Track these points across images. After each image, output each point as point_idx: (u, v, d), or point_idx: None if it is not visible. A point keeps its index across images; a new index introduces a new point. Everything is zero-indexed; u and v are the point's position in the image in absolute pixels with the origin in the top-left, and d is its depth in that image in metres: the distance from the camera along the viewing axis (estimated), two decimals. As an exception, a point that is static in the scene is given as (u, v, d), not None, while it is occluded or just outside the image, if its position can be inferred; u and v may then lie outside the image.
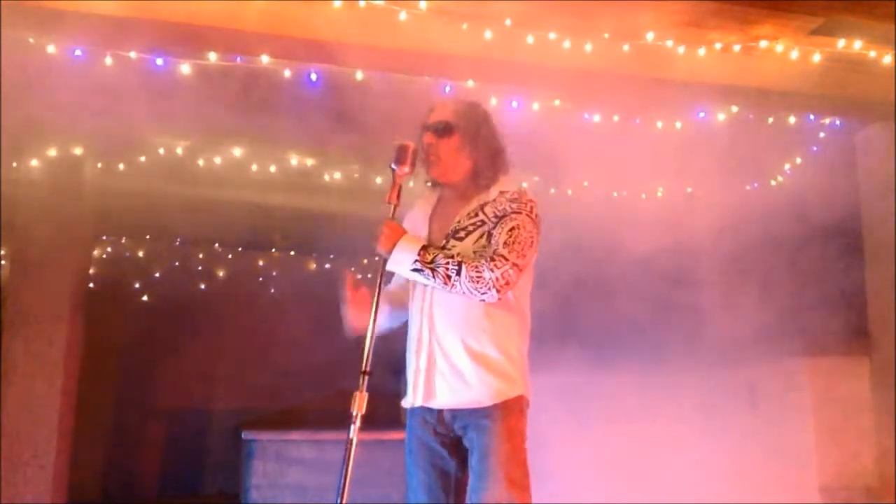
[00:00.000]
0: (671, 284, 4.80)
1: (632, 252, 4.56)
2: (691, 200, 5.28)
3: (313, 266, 7.37)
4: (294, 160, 4.85)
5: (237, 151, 4.70)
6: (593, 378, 4.93)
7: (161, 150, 4.62)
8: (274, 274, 7.33)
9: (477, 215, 2.22)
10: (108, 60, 3.39)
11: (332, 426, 5.02)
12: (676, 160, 4.42)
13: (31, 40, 3.26)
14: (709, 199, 5.17)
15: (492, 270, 2.07)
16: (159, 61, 3.44)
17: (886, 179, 4.01)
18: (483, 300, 2.10)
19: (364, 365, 2.07)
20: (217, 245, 6.95)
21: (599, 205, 5.24)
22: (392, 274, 2.25)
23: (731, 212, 4.77)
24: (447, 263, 2.09)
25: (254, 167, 4.85)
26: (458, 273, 2.07)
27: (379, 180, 5.07)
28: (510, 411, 2.13)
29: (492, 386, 2.13)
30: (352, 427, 2.03)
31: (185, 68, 3.48)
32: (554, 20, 3.30)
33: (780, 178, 5.08)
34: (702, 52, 3.50)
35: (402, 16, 3.17)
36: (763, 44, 3.48)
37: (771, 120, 4.22)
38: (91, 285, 6.05)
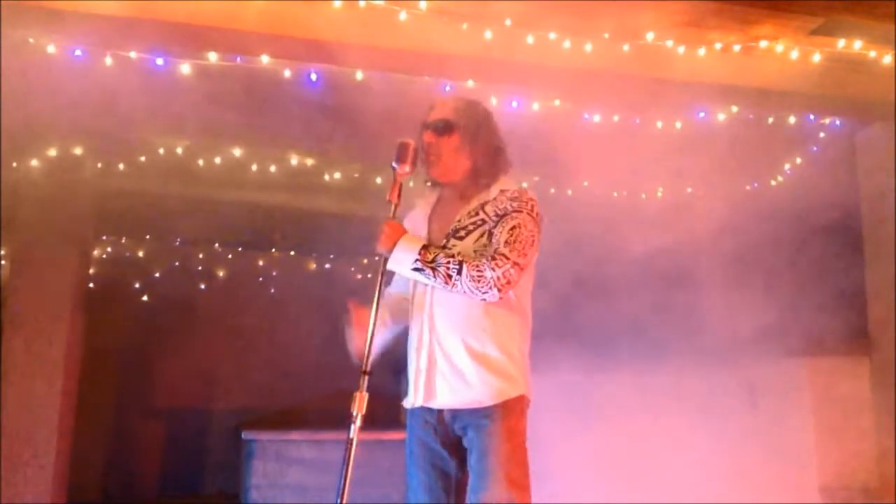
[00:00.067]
0: (671, 284, 4.80)
1: (632, 252, 4.57)
2: (691, 200, 5.28)
3: (313, 266, 7.37)
4: (294, 160, 4.85)
5: (237, 151, 4.69)
6: (593, 378, 4.94)
7: (161, 150, 4.62)
8: (274, 274, 7.32)
9: (477, 214, 2.20)
10: (108, 60, 3.39)
11: (332, 426, 5.02)
12: (676, 160, 4.42)
13: (31, 40, 3.26)
14: (709, 199, 5.17)
15: (493, 269, 2.05)
16: (159, 61, 3.44)
17: (886, 179, 4.01)
18: (484, 299, 2.09)
19: (364, 365, 2.06)
20: (217, 245, 6.95)
21: (599, 205, 5.23)
22: (392, 273, 2.23)
23: (731, 212, 4.77)
24: (448, 263, 2.08)
25: (254, 167, 4.85)
26: (459, 272, 2.06)
27: (379, 180, 5.07)
28: (510, 411, 2.12)
29: (493, 386, 2.12)
30: (352, 427, 2.03)
31: (185, 68, 3.48)
32: (554, 20, 3.30)
33: (780, 178, 5.08)
34: (702, 52, 3.50)
35: (402, 16, 3.17)
36: (763, 44, 3.48)
37: (771, 120, 4.22)
38: (91, 285, 6.05)
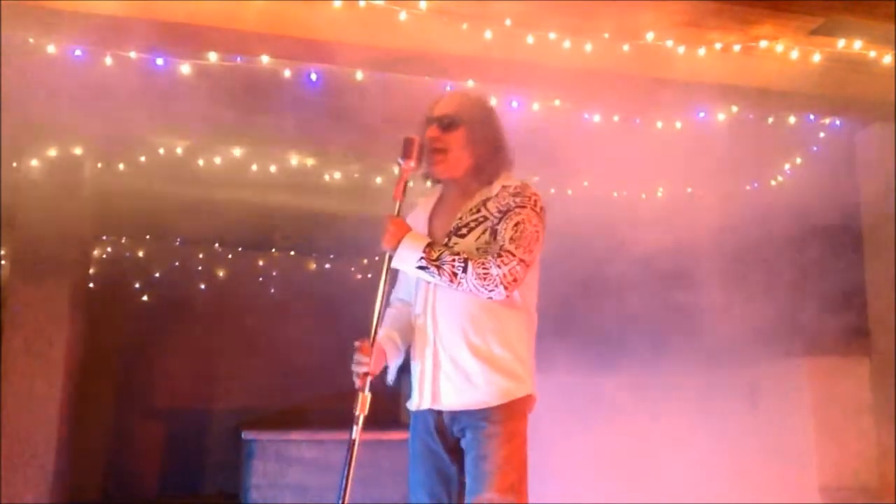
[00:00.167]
0: (671, 284, 4.80)
1: (632, 252, 4.57)
2: (691, 200, 5.28)
3: (313, 266, 7.37)
4: (294, 160, 4.85)
5: (237, 151, 4.69)
6: (592, 378, 4.94)
7: (161, 150, 4.62)
8: (274, 274, 7.32)
9: (479, 211, 2.17)
10: (108, 60, 3.39)
11: (332, 426, 5.03)
12: (676, 160, 4.42)
13: (31, 40, 3.26)
14: (709, 199, 5.17)
15: (499, 267, 2.02)
16: (159, 61, 3.44)
17: (886, 179, 4.01)
18: (490, 297, 2.06)
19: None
20: (217, 245, 6.95)
21: (599, 205, 5.24)
22: (396, 271, 2.20)
23: (731, 212, 4.77)
24: (453, 261, 2.04)
25: (254, 167, 4.85)
26: (465, 270, 2.03)
27: (379, 180, 5.07)
28: (512, 412, 2.09)
29: (499, 385, 2.09)
30: (354, 428, 2.02)
31: (185, 68, 3.47)
32: (554, 20, 3.30)
33: (780, 178, 5.08)
34: (702, 52, 3.50)
35: (402, 16, 3.17)
36: (763, 44, 3.48)
37: (771, 120, 4.22)
38: (91, 285, 6.06)
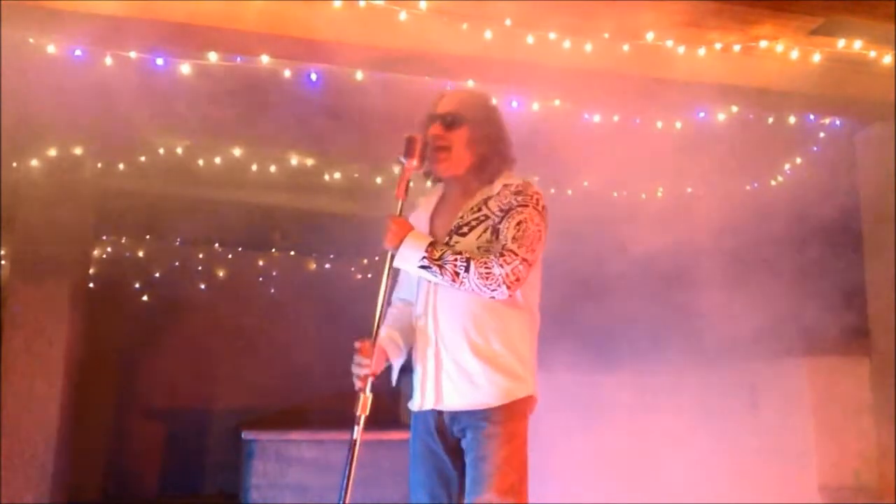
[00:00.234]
0: (671, 284, 4.80)
1: (631, 252, 4.57)
2: (691, 200, 5.28)
3: (313, 266, 7.37)
4: (294, 160, 4.86)
5: (237, 151, 4.70)
6: (592, 378, 4.94)
7: (161, 150, 4.62)
8: (274, 274, 7.33)
9: (480, 210, 2.15)
10: (108, 60, 3.39)
11: (332, 426, 5.03)
12: (676, 160, 4.42)
13: (31, 40, 3.26)
14: (709, 199, 5.17)
15: (501, 266, 2.01)
16: (159, 61, 3.44)
17: (886, 179, 4.01)
18: (493, 297, 2.04)
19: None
20: (217, 245, 6.95)
21: (599, 205, 5.24)
22: (398, 270, 2.19)
23: (731, 212, 4.77)
24: (455, 260, 2.02)
25: (254, 167, 4.85)
26: (467, 270, 2.01)
27: (379, 180, 5.07)
28: (514, 413, 2.07)
29: (500, 385, 2.07)
30: (355, 428, 2.01)
31: (185, 68, 3.48)
32: (554, 20, 3.30)
33: (780, 178, 5.08)
34: (702, 52, 3.50)
35: (402, 16, 3.17)
36: (763, 44, 3.48)
37: (771, 120, 4.22)
38: (91, 285, 6.06)
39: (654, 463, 4.61)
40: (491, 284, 2.01)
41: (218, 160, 4.75)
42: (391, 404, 4.54)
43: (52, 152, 4.60)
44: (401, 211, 2.12)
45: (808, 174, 4.77)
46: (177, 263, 6.95)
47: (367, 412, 2.03)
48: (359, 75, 3.55)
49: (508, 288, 2.02)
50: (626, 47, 3.41)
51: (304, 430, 5.20)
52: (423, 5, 3.16)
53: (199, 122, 4.14)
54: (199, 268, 7.04)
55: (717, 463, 4.50)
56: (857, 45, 3.48)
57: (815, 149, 4.67)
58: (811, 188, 4.57)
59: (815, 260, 4.42)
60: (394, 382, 2.23)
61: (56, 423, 4.48)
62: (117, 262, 6.74)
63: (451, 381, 2.10)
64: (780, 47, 3.51)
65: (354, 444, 2.00)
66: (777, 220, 4.69)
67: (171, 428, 7.04)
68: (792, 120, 4.23)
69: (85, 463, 6.07)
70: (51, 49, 3.30)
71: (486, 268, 2.01)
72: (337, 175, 5.05)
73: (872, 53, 3.53)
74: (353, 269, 7.44)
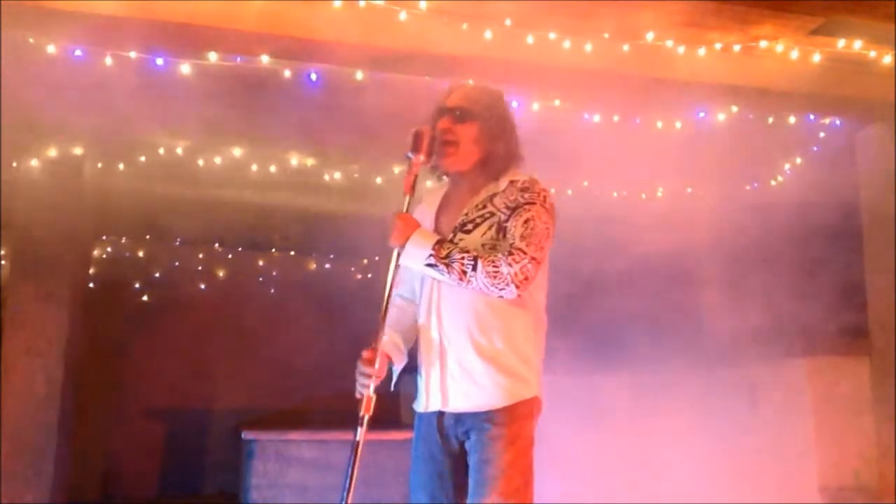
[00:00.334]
0: (671, 284, 4.81)
1: (632, 252, 4.57)
2: (691, 200, 5.29)
3: (313, 266, 7.37)
4: (294, 160, 4.85)
5: (237, 151, 4.70)
6: (592, 378, 4.94)
7: (161, 150, 4.62)
8: (274, 274, 7.33)
9: (485, 207, 2.11)
10: (108, 60, 3.39)
11: (332, 426, 5.03)
12: (676, 160, 4.42)
13: (31, 40, 3.26)
14: (709, 199, 5.17)
15: (510, 265, 1.96)
16: (159, 61, 3.44)
17: (886, 179, 4.01)
18: (501, 296, 2.00)
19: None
20: (217, 245, 6.95)
21: (599, 205, 5.24)
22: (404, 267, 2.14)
23: (731, 212, 4.77)
24: (462, 258, 1.98)
25: (254, 167, 4.85)
26: (474, 268, 1.97)
27: (379, 180, 5.07)
28: (518, 415, 2.04)
29: (504, 387, 2.04)
30: (358, 429, 1.99)
31: (185, 68, 3.48)
32: (554, 20, 3.30)
33: (780, 178, 5.08)
34: (702, 52, 3.50)
35: (402, 16, 3.17)
36: (763, 44, 3.48)
37: (771, 120, 4.22)
38: (91, 285, 6.06)
39: (654, 463, 4.61)
40: (499, 283, 1.97)
41: (218, 160, 4.75)
42: (392, 405, 4.54)
43: (52, 152, 4.60)
44: (407, 207, 2.09)
45: (808, 174, 4.77)
46: (177, 263, 6.95)
47: (371, 412, 2.01)
48: (359, 75, 3.55)
49: (517, 287, 1.98)
50: (626, 47, 3.41)
51: (304, 430, 5.19)
52: (423, 5, 3.16)
53: (199, 122, 4.14)
54: (199, 268, 7.04)
55: (717, 463, 4.50)
56: (857, 45, 3.48)
57: (815, 149, 4.67)
58: (811, 188, 4.57)
59: (815, 260, 4.43)
60: (393, 387, 2.20)
61: (56, 424, 4.48)
62: (117, 262, 6.74)
63: (455, 381, 2.07)
64: (780, 47, 3.51)
65: (358, 445, 1.98)
66: (777, 221, 4.69)
67: (171, 428, 7.04)
68: (792, 120, 4.23)
69: (85, 463, 6.07)
70: (51, 49, 3.30)
71: (494, 266, 1.97)
72: (337, 175, 5.05)
73: (872, 53, 3.53)
74: (353, 269, 7.43)
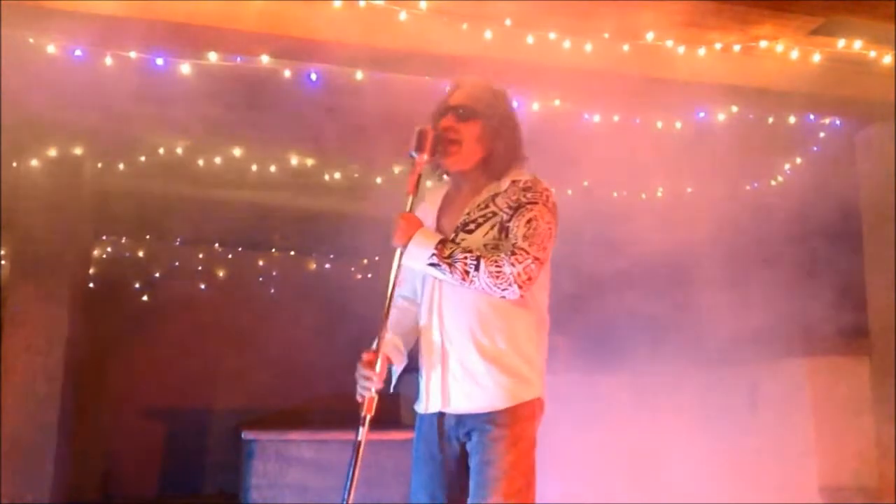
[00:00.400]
0: (671, 284, 4.81)
1: (631, 252, 4.57)
2: (691, 200, 5.29)
3: (313, 266, 7.38)
4: (294, 160, 4.86)
5: (237, 151, 4.70)
6: (591, 377, 4.94)
7: (161, 150, 4.63)
8: (274, 274, 7.33)
9: (487, 207, 2.09)
10: (108, 60, 3.39)
11: (332, 426, 5.03)
12: (676, 160, 4.42)
13: (31, 40, 3.26)
14: (709, 199, 5.17)
15: (512, 265, 1.95)
16: (159, 61, 3.44)
17: (886, 179, 4.01)
18: (504, 297, 1.98)
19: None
20: (217, 245, 6.96)
21: (600, 205, 5.24)
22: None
23: (731, 212, 4.77)
24: (465, 258, 1.97)
25: (254, 167, 4.86)
26: (477, 268, 1.95)
27: (379, 180, 5.07)
28: (521, 416, 2.02)
29: (506, 388, 2.02)
30: (360, 429, 1.98)
31: (185, 68, 3.48)
32: (554, 20, 3.30)
33: (780, 178, 5.08)
34: (702, 52, 3.50)
35: (402, 16, 3.17)
36: (763, 44, 3.48)
37: (771, 120, 4.22)
38: (91, 285, 6.06)
39: (654, 463, 4.61)
40: (502, 284, 1.96)
41: (218, 160, 4.75)
42: (392, 405, 4.54)
43: (52, 152, 4.60)
44: (411, 207, 2.07)
45: (808, 174, 4.78)
46: (177, 263, 6.95)
47: (373, 413, 2.00)
48: (359, 75, 3.55)
49: (520, 287, 1.96)
50: (626, 47, 3.41)
51: (304, 430, 5.19)
52: (423, 5, 3.16)
53: (199, 122, 4.14)
54: (199, 268, 7.04)
55: (717, 463, 4.50)
56: (857, 45, 3.48)
57: (815, 149, 4.67)
58: (811, 188, 4.57)
59: (815, 260, 4.43)
60: (392, 389, 2.17)
61: (56, 423, 4.48)
62: (117, 262, 6.74)
63: (457, 382, 2.06)
64: (780, 47, 3.51)
65: (359, 446, 1.97)
66: (777, 220, 4.69)
67: (171, 428, 7.05)
68: (792, 120, 4.23)
69: (85, 463, 6.07)
70: (51, 49, 3.30)
71: (497, 266, 1.95)
72: (337, 175, 5.05)
73: (872, 53, 3.53)
74: (353, 269, 7.44)
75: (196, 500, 6.79)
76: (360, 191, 5.14)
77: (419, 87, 3.48)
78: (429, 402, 2.12)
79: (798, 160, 4.87)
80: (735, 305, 4.33)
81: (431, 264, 2.00)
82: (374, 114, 3.71)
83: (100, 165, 4.87)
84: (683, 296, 4.67)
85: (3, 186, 4.27)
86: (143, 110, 3.88)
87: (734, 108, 4.04)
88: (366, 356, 2.04)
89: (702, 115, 4.11)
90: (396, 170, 4.94)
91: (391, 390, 2.17)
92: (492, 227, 2.07)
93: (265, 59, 3.40)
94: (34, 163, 4.59)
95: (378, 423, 2.03)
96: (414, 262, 2.03)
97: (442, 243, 2.01)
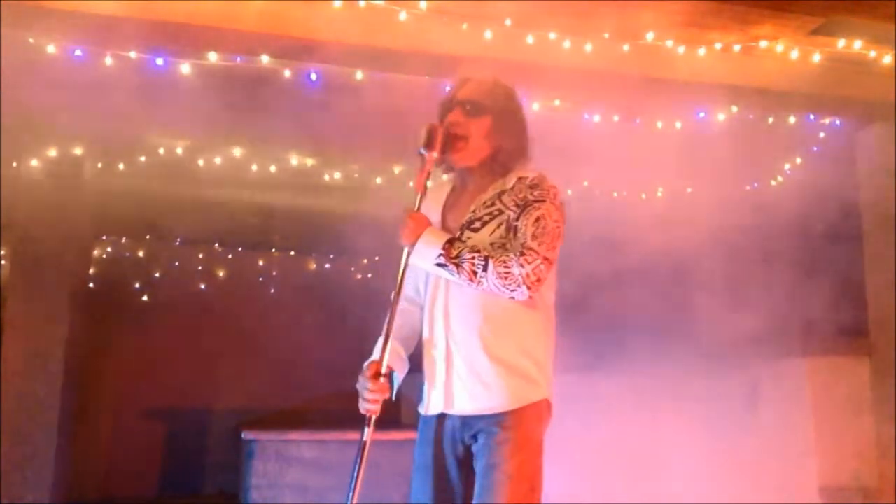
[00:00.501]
0: (671, 284, 4.80)
1: (632, 252, 4.57)
2: (691, 200, 5.29)
3: (313, 266, 7.38)
4: (294, 160, 4.86)
5: (237, 151, 4.70)
6: (591, 377, 4.94)
7: (161, 150, 4.63)
8: (274, 274, 7.33)
9: (493, 204, 2.04)
10: (108, 60, 3.39)
11: (332, 426, 5.03)
12: (676, 160, 4.42)
13: (31, 40, 3.26)
14: (709, 199, 5.17)
15: (521, 266, 1.90)
16: (159, 61, 3.44)
17: (886, 179, 4.01)
18: (513, 297, 1.93)
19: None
20: (217, 245, 6.96)
21: (599, 204, 5.24)
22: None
23: (731, 212, 4.77)
24: (473, 258, 1.92)
25: (254, 167, 4.85)
26: (485, 269, 1.90)
27: (379, 180, 5.07)
28: (527, 418, 1.98)
29: (513, 389, 1.97)
30: (365, 429, 1.96)
31: (185, 68, 3.48)
32: (554, 20, 3.30)
33: (780, 178, 5.08)
34: (702, 52, 3.50)
35: (402, 16, 3.17)
36: (763, 44, 3.49)
37: (771, 120, 4.23)
38: (91, 285, 6.06)
39: (654, 463, 4.61)
40: (510, 285, 1.91)
41: (218, 160, 4.75)
42: (392, 405, 4.53)
43: (52, 152, 4.60)
44: (419, 205, 2.03)
45: (808, 174, 4.77)
46: (177, 263, 6.95)
47: (378, 413, 1.98)
48: (359, 75, 3.55)
49: (529, 288, 1.92)
50: (626, 47, 3.41)
51: (304, 430, 5.19)
52: (423, 5, 3.17)
53: (199, 122, 4.14)
54: (199, 268, 7.04)
55: (717, 462, 4.50)
56: (857, 45, 3.49)
57: (815, 149, 4.67)
58: (811, 188, 4.57)
59: (815, 260, 4.43)
60: (393, 397, 2.10)
61: (56, 424, 4.48)
62: (117, 262, 6.74)
63: (462, 383, 2.01)
64: (780, 47, 3.51)
65: (364, 446, 1.95)
66: (777, 221, 4.69)
67: (171, 428, 7.04)
68: (792, 120, 4.23)
69: (85, 463, 6.07)
70: (51, 49, 3.30)
71: (506, 267, 1.91)
72: (337, 175, 5.05)
73: (872, 53, 3.53)
74: (353, 269, 7.44)
75: (196, 500, 6.78)
76: (360, 191, 5.14)
77: (419, 87, 3.48)
78: (432, 403, 2.08)
79: (798, 160, 4.88)
80: (735, 305, 4.33)
81: (438, 264, 1.96)
82: (374, 114, 3.71)
83: (100, 165, 4.87)
84: (684, 296, 4.67)
85: (3, 186, 4.27)
86: (143, 110, 3.88)
87: (734, 108, 4.04)
88: (370, 369, 2.00)
89: (702, 115, 4.11)
90: (396, 170, 4.94)
91: (392, 398, 2.11)
92: (498, 226, 2.02)
93: (265, 59, 3.40)
94: (34, 163, 4.59)
95: (378, 424, 2.02)
96: (421, 261, 1.99)
97: (450, 243, 1.97)
